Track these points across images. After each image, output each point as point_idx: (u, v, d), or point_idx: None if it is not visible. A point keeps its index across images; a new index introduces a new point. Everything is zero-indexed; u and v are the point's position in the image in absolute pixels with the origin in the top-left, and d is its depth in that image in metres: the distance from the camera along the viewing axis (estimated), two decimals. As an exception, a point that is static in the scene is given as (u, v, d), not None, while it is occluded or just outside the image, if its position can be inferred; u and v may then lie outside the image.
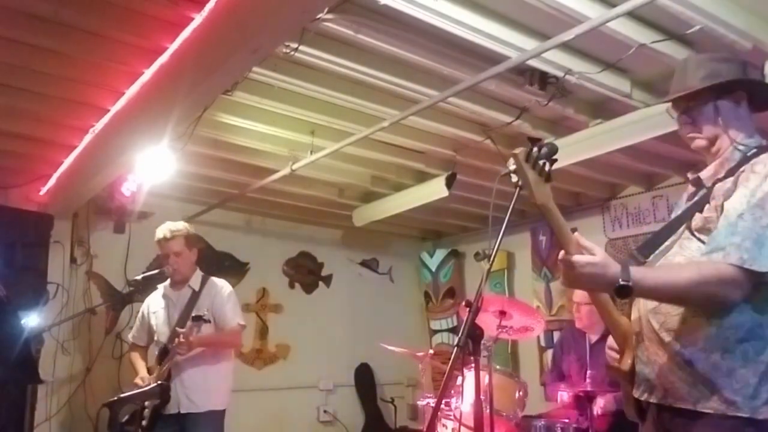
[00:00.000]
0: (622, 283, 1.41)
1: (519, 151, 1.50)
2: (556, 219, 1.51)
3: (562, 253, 1.49)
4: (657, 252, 1.67)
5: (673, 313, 1.56)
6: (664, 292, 1.49)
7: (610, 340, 1.76)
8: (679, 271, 1.53)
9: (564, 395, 3.54)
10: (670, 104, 1.79)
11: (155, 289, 3.65)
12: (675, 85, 1.76)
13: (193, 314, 3.26)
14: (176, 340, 3.21)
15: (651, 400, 1.59)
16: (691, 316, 1.53)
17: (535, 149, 1.50)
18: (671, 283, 1.47)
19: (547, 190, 1.51)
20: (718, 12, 2.59)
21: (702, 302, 1.50)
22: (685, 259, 1.59)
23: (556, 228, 1.52)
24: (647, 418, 1.65)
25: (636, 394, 1.65)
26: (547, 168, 1.50)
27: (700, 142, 1.71)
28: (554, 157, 1.52)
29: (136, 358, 3.56)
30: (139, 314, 3.67)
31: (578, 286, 1.51)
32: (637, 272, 1.44)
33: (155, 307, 3.55)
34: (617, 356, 1.74)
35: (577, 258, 1.45)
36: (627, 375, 1.68)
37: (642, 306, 1.64)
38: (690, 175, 1.74)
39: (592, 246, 1.49)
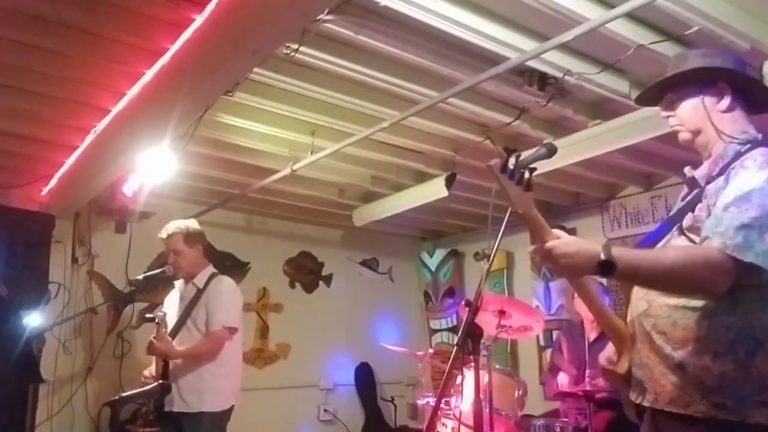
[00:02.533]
0: (603, 258, 1.38)
1: (494, 162, 1.45)
2: (539, 225, 1.50)
3: (534, 244, 1.48)
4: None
5: (664, 315, 1.55)
6: (649, 271, 1.46)
7: (607, 352, 1.76)
8: (664, 252, 1.53)
9: (563, 378, 3.54)
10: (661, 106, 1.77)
11: (172, 286, 3.65)
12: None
13: (146, 315, 3.23)
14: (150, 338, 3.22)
15: (645, 404, 1.58)
16: (681, 318, 1.52)
17: (512, 159, 1.46)
18: (655, 261, 1.46)
19: (528, 198, 1.47)
20: (716, 13, 2.60)
21: (687, 285, 1.47)
22: None
23: (539, 231, 1.50)
24: (644, 421, 1.65)
25: (632, 396, 1.65)
26: (525, 177, 1.46)
27: (684, 135, 1.70)
28: (532, 165, 1.48)
29: None
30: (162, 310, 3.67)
31: (561, 270, 1.47)
32: (619, 250, 1.42)
33: (169, 304, 3.56)
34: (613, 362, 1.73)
35: (550, 243, 1.44)
36: (623, 378, 1.67)
37: (635, 308, 1.63)
38: (687, 173, 1.72)
39: (561, 233, 1.50)
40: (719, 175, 1.56)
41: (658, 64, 2.97)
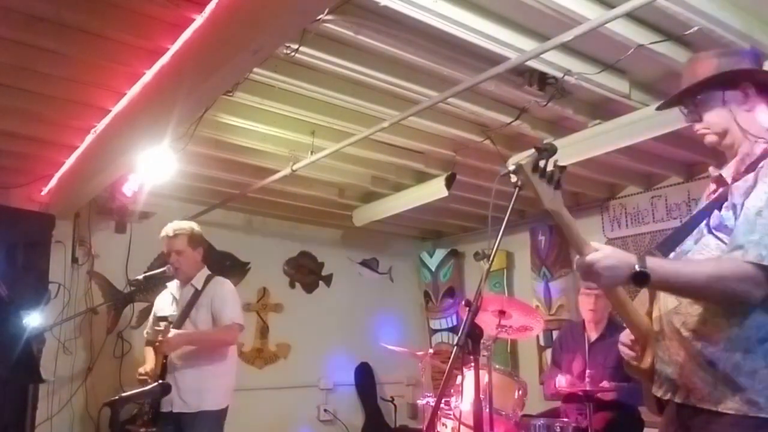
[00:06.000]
0: (638, 269, 1.42)
1: (525, 162, 1.49)
2: (567, 224, 1.52)
3: (577, 258, 1.51)
4: (677, 250, 1.67)
5: (694, 313, 1.55)
6: (681, 283, 1.48)
7: (623, 336, 1.77)
8: (697, 265, 1.53)
9: (562, 380, 3.53)
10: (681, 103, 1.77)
11: (165, 287, 3.66)
12: (684, 82, 1.74)
13: (159, 314, 3.28)
14: (158, 339, 3.24)
15: (676, 400, 1.59)
16: (712, 316, 1.52)
17: (543, 159, 1.49)
18: (688, 275, 1.47)
19: (558, 196, 1.51)
20: (716, 13, 2.60)
21: (721, 298, 1.48)
22: (704, 257, 1.59)
23: (568, 232, 1.53)
24: (666, 414, 1.66)
25: (657, 393, 1.65)
26: (555, 176, 1.50)
27: (711, 138, 1.70)
28: (563, 164, 1.51)
29: (148, 352, 3.57)
30: (152, 311, 3.69)
31: (600, 281, 1.50)
32: (653, 261, 1.45)
33: (163, 304, 3.57)
34: (631, 353, 1.74)
35: (592, 256, 1.46)
36: (647, 373, 1.69)
37: (663, 305, 1.64)
38: (712, 172, 1.72)
39: (600, 245, 1.51)
40: (746, 172, 1.57)
41: (658, 64, 2.98)
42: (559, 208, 1.51)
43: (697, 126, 1.72)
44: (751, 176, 1.55)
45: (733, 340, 1.49)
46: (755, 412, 1.44)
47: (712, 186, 1.72)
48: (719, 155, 1.76)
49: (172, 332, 3.24)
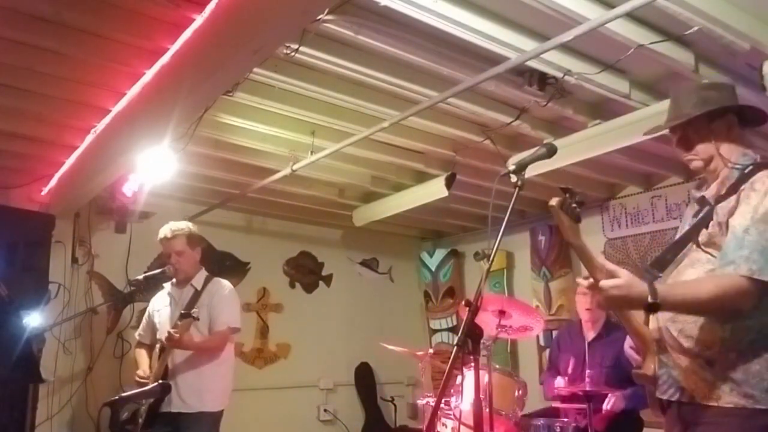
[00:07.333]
0: (650, 301, 1.59)
1: (555, 201, 1.71)
2: (586, 253, 1.73)
3: (590, 279, 1.70)
4: (670, 266, 1.85)
5: (690, 320, 1.74)
6: (688, 305, 1.67)
7: (630, 341, 1.95)
8: (699, 286, 1.69)
9: (560, 382, 3.53)
10: (668, 130, 1.98)
11: (161, 288, 3.67)
12: (670, 112, 1.97)
13: (182, 311, 3.28)
14: (167, 334, 3.23)
15: (683, 400, 1.76)
16: (707, 322, 1.71)
17: (569, 198, 1.71)
18: (693, 297, 1.65)
19: (577, 228, 1.74)
20: (716, 13, 2.60)
21: (719, 312, 1.68)
22: (695, 271, 1.78)
23: (585, 260, 1.73)
24: (669, 413, 1.84)
25: (664, 396, 1.83)
26: (576, 212, 1.72)
27: (696, 164, 1.91)
28: (580, 199, 1.73)
29: (140, 354, 3.59)
30: (146, 313, 3.70)
31: (609, 306, 1.71)
32: (662, 290, 1.62)
33: (159, 305, 3.58)
34: (638, 358, 1.92)
35: (603, 282, 1.64)
36: (651, 378, 1.87)
37: (660, 316, 1.81)
38: (695, 194, 1.93)
39: (616, 269, 1.65)
40: (728, 194, 1.75)
41: (658, 64, 2.98)
42: (578, 240, 1.74)
43: (686, 154, 1.93)
44: (733, 198, 1.74)
45: (727, 342, 1.69)
46: (752, 404, 1.64)
47: (696, 206, 1.91)
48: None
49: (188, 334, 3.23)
